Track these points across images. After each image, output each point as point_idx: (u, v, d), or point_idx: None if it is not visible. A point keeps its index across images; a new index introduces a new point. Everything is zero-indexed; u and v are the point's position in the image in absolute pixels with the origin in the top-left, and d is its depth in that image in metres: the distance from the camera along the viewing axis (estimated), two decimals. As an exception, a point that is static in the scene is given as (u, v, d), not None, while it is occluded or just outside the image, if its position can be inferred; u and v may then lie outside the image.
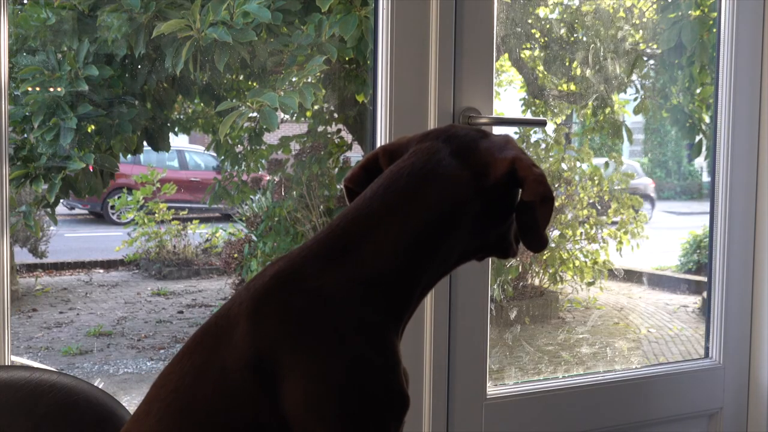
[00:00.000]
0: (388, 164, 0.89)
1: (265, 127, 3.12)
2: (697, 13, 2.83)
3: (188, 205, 4.09)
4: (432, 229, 0.82)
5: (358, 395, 0.77)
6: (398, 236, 0.81)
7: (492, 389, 1.74)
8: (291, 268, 0.81)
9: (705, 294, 2.25)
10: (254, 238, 3.68)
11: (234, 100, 2.92)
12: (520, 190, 0.85)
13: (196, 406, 0.78)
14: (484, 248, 0.90)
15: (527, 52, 3.43)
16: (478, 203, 0.84)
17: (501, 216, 0.87)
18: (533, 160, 0.85)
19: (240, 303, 0.81)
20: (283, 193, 3.67)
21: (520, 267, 3.36)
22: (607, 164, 3.65)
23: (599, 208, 3.63)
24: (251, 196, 3.78)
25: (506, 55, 3.28)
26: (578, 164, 3.58)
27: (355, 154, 3.59)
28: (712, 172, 2.09)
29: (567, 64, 3.43)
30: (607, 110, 3.44)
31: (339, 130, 3.59)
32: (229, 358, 0.78)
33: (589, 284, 3.55)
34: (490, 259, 1.72)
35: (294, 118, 3.62)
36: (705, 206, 2.21)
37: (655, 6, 3.41)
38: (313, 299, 0.79)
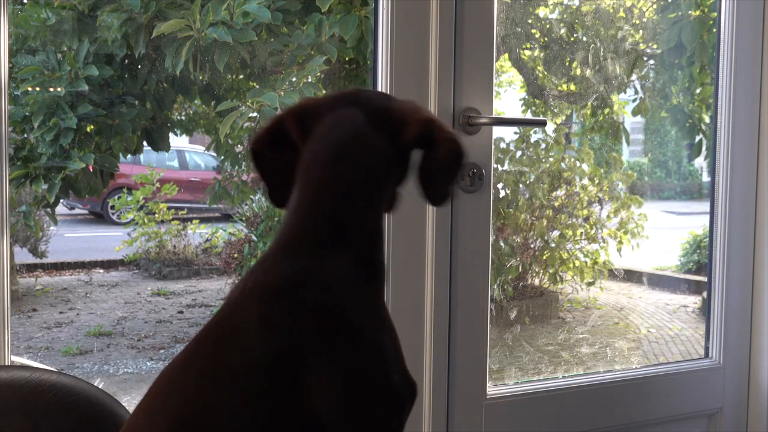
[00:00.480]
0: (297, 127, 0.90)
1: (265, 127, 3.11)
2: (697, 13, 2.83)
3: (188, 205, 4.09)
4: (380, 205, 0.88)
5: (383, 383, 0.80)
6: (363, 219, 0.85)
7: (492, 389, 1.74)
8: (288, 266, 0.81)
9: (705, 294, 2.25)
10: (254, 238, 3.68)
11: (234, 100, 2.92)
12: (427, 149, 0.89)
13: (209, 415, 0.76)
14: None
15: (527, 52, 3.43)
16: (399, 166, 0.89)
17: (406, 174, 0.92)
18: (442, 121, 0.90)
19: (243, 307, 0.80)
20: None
21: (520, 267, 3.36)
22: (607, 164, 3.66)
23: (600, 208, 3.64)
24: (251, 196, 3.78)
25: (506, 55, 3.28)
26: (578, 164, 3.58)
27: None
28: (712, 172, 2.09)
29: (567, 64, 3.43)
30: (607, 111, 3.44)
31: (339, 130, 3.58)
32: (241, 364, 0.77)
33: (589, 284, 3.55)
34: (489, 259, 1.72)
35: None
36: (705, 206, 2.21)
37: (655, 6, 3.41)
38: (323, 296, 0.80)
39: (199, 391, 0.77)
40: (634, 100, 3.41)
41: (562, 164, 3.52)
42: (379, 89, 1.62)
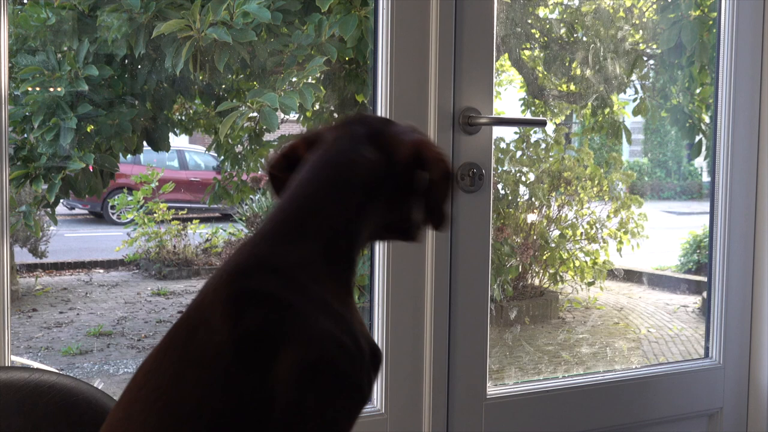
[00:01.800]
0: (306, 150, 0.96)
1: (265, 127, 3.12)
2: (697, 13, 2.83)
3: (188, 205, 4.09)
4: (361, 214, 0.91)
5: (335, 368, 0.82)
6: (338, 216, 0.89)
7: (492, 389, 1.74)
8: (260, 251, 0.85)
9: (705, 294, 2.25)
10: (254, 238, 3.66)
11: (234, 101, 2.92)
12: (423, 172, 0.93)
13: (182, 401, 0.78)
14: (391, 229, 0.97)
15: (527, 52, 3.43)
16: (389, 184, 0.93)
17: (406, 196, 0.95)
18: (433, 143, 0.93)
19: (214, 290, 0.82)
20: (282, 193, 3.65)
21: (520, 267, 3.36)
22: (607, 164, 3.66)
23: (599, 208, 3.64)
24: (251, 196, 3.78)
25: (506, 55, 3.28)
26: (578, 164, 3.58)
27: (355, 154, 3.58)
28: (712, 172, 2.09)
29: (567, 64, 3.43)
30: (607, 111, 3.44)
31: (339, 130, 3.58)
32: (209, 347, 0.79)
33: (589, 284, 3.55)
34: (489, 259, 1.72)
35: (298, 119, 3.62)
36: (705, 206, 2.21)
37: (655, 6, 3.41)
38: (286, 279, 0.83)
39: (175, 376, 0.79)
40: (634, 100, 3.41)
41: (562, 164, 3.52)
42: (379, 89, 1.62)
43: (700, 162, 4.33)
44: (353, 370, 0.84)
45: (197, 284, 4.01)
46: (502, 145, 3.40)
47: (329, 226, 0.88)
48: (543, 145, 3.48)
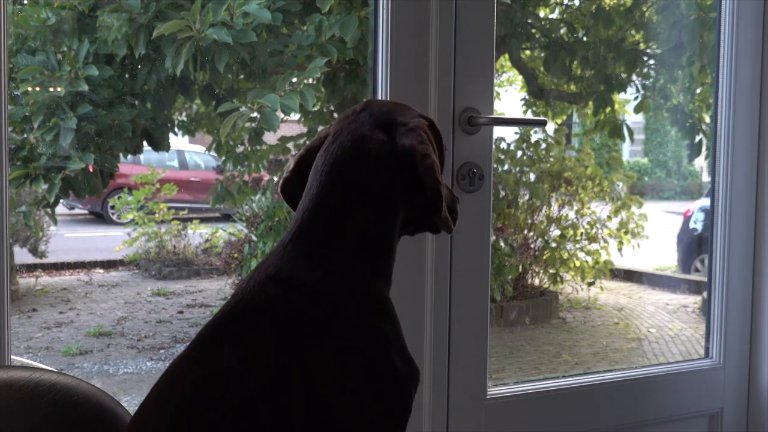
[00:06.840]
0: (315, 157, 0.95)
1: (265, 127, 3.12)
2: (697, 13, 2.83)
3: (188, 205, 4.09)
4: (383, 211, 0.90)
5: (384, 365, 0.83)
6: (361, 221, 0.89)
7: (492, 389, 1.74)
8: (293, 261, 0.85)
9: (705, 294, 2.26)
10: (254, 238, 3.68)
11: (235, 101, 2.92)
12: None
13: (218, 400, 0.79)
14: (418, 220, 0.97)
15: (527, 52, 3.43)
16: (400, 176, 0.92)
17: (420, 187, 0.93)
18: (427, 149, 0.91)
19: (254, 297, 0.83)
20: (283, 194, 3.66)
21: (520, 267, 3.36)
22: (607, 164, 3.66)
23: (599, 208, 3.64)
24: (251, 197, 3.78)
25: (506, 55, 3.28)
26: (578, 164, 3.58)
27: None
28: (712, 172, 2.09)
29: (567, 64, 3.43)
30: (608, 110, 3.44)
31: (339, 131, 3.58)
32: (250, 351, 0.80)
33: (590, 284, 3.55)
34: (489, 259, 1.72)
35: (299, 120, 3.62)
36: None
37: (655, 6, 3.41)
38: (325, 284, 0.84)
39: (210, 376, 0.80)
40: (635, 98, 3.42)
41: (563, 164, 3.52)
42: (379, 90, 1.62)
43: (700, 162, 4.34)
44: (398, 394, 0.84)
45: (197, 284, 4.01)
46: (503, 145, 3.40)
47: (353, 231, 0.88)
48: (543, 145, 3.48)
